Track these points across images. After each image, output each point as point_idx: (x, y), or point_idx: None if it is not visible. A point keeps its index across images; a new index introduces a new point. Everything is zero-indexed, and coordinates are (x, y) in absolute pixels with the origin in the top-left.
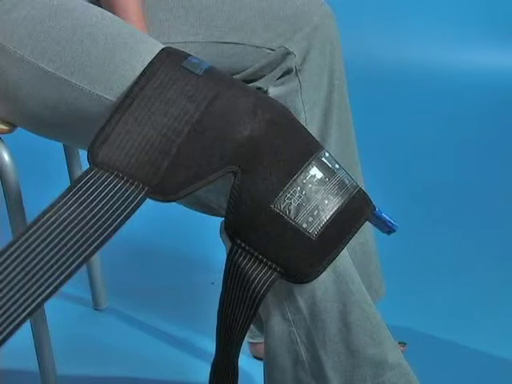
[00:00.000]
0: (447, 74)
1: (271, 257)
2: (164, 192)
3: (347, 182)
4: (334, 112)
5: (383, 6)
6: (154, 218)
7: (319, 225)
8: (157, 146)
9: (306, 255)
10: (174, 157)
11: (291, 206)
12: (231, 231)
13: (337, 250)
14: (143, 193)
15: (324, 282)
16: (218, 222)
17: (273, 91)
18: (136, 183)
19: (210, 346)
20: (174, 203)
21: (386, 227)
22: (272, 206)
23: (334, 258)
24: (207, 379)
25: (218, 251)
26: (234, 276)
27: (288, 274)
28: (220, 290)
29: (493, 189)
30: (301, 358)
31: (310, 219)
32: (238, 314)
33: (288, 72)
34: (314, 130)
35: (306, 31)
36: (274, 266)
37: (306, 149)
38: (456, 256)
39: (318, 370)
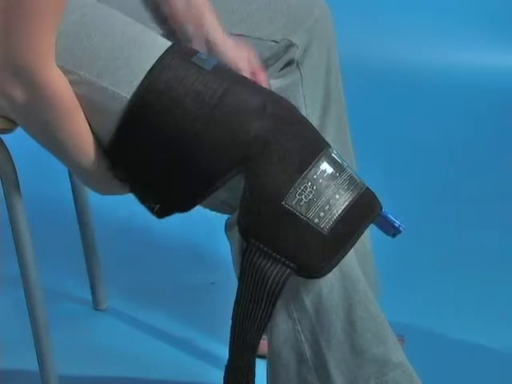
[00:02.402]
0: (447, 73)
1: (284, 253)
2: (175, 209)
3: (356, 177)
4: (332, 109)
5: (380, 3)
6: (154, 217)
7: (331, 220)
8: (165, 158)
9: (318, 250)
10: (182, 168)
11: (302, 202)
12: (244, 230)
13: (348, 245)
14: (156, 209)
15: (330, 280)
16: (218, 221)
17: (274, 84)
18: (147, 204)
19: (210, 345)
20: None
21: (392, 228)
22: (283, 202)
23: (346, 253)
24: (207, 379)
25: (218, 251)
26: (249, 275)
27: (301, 269)
28: (220, 290)
29: (493, 188)
30: (305, 357)
31: (322, 214)
32: (255, 313)
33: (289, 63)
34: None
35: (309, 24)
36: (288, 262)
37: (315, 145)
38: (455, 254)
39: (322, 368)
